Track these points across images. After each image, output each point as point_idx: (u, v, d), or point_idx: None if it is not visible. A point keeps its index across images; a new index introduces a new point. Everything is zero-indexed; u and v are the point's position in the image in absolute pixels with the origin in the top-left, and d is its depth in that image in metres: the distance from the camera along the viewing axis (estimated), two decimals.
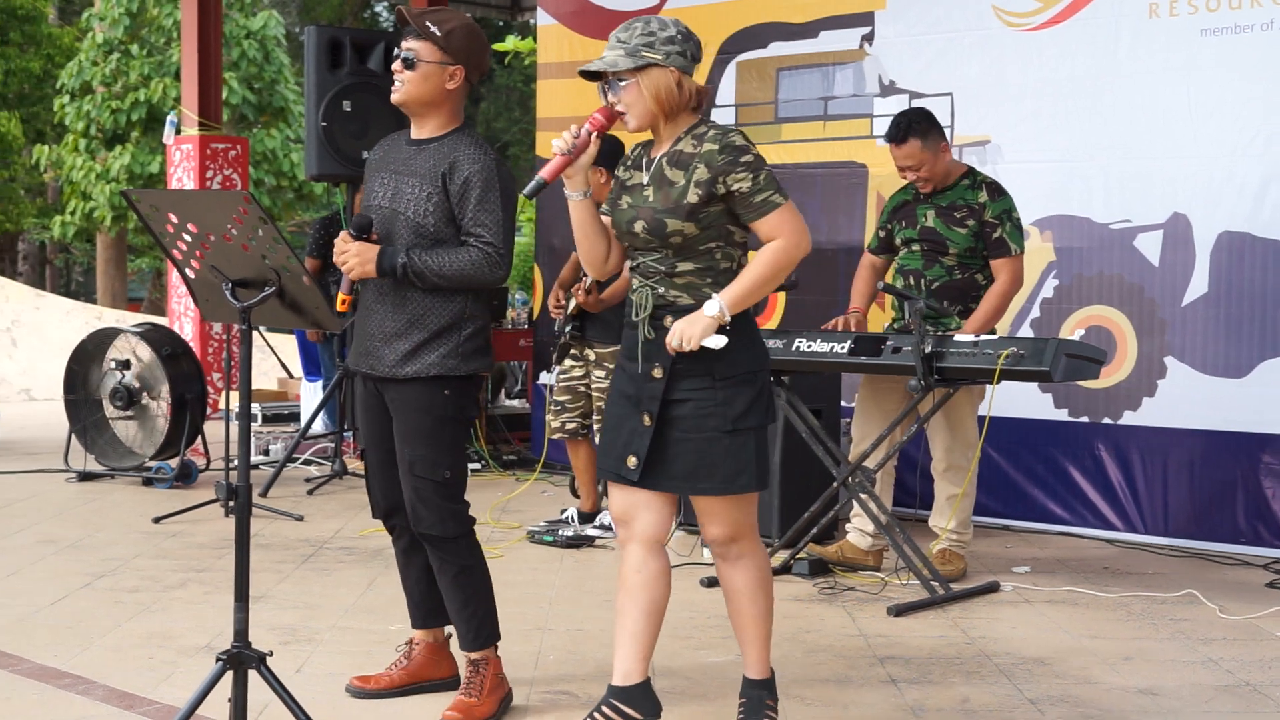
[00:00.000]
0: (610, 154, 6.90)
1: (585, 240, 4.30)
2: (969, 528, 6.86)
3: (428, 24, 4.53)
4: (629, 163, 4.35)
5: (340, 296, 4.56)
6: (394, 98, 4.61)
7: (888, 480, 6.90)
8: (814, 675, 5.14)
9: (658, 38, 4.13)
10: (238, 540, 4.05)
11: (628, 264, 4.37)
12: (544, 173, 4.16)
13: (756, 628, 4.34)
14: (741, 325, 4.17)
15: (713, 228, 4.13)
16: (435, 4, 11.91)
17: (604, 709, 4.29)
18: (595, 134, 4.15)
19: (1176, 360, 7.54)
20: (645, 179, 4.22)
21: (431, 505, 4.58)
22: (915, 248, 6.78)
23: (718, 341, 4.06)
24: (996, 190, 6.68)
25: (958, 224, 6.64)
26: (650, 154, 4.27)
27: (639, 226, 4.17)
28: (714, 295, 4.08)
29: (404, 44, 4.57)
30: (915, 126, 6.66)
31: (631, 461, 4.19)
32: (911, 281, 6.75)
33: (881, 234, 6.99)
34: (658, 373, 4.16)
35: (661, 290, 4.18)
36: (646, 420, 4.17)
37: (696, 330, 4.05)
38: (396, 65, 4.57)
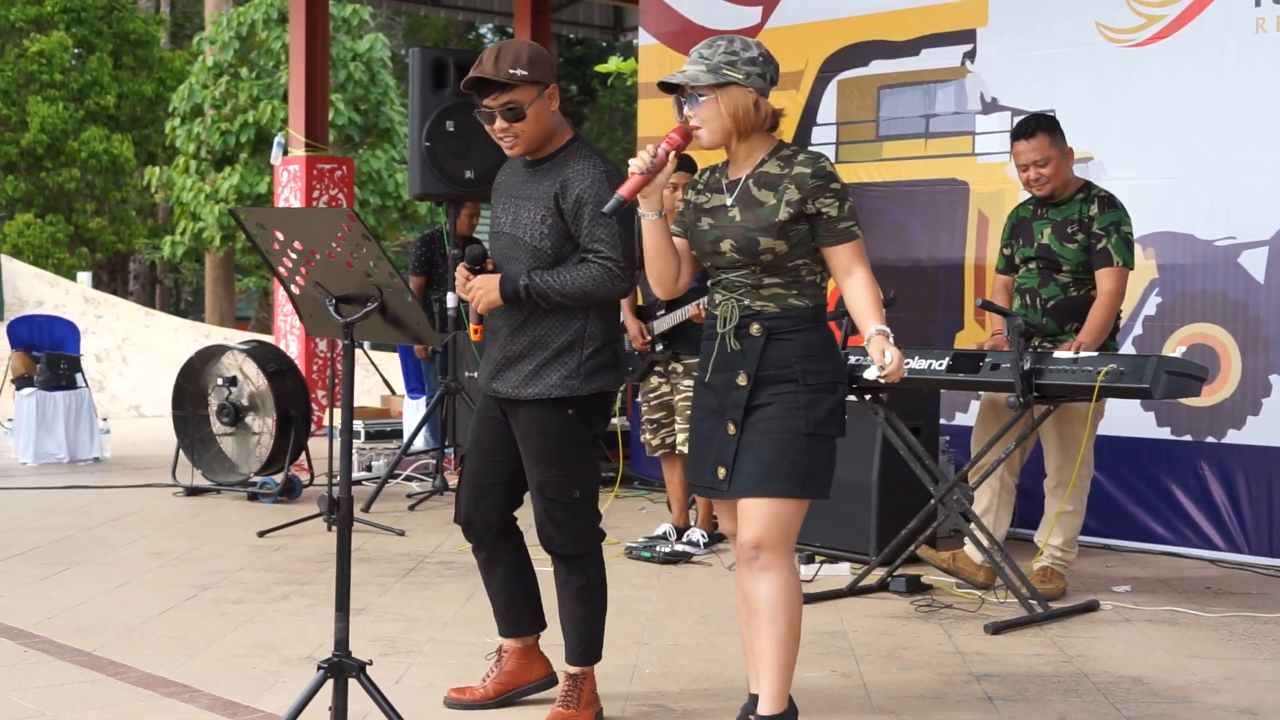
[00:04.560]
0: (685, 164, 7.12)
1: (659, 259, 4.33)
2: (1074, 548, 6.79)
3: (510, 71, 4.48)
4: (700, 185, 4.39)
5: (473, 327, 4.66)
6: (514, 152, 4.61)
7: (1006, 498, 6.84)
8: (909, 691, 5.13)
9: (740, 57, 4.18)
10: (339, 550, 4.12)
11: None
12: (622, 191, 4.20)
13: (773, 651, 4.21)
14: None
15: (800, 245, 4.21)
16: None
17: None
18: (673, 153, 4.20)
19: None
20: (729, 200, 4.26)
21: (562, 526, 4.64)
22: (1032, 266, 6.74)
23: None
24: (1108, 203, 6.64)
25: (1069, 239, 6.60)
26: (729, 176, 4.32)
27: (726, 245, 4.23)
28: (870, 326, 4.16)
29: (494, 101, 4.50)
30: (1043, 122, 6.66)
31: (721, 472, 4.24)
32: (1028, 300, 6.71)
33: (1006, 252, 6.93)
34: (742, 380, 4.22)
35: (747, 301, 4.23)
36: (731, 429, 4.22)
37: (898, 355, 4.11)
38: (500, 123, 4.53)
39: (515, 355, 4.62)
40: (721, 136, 4.22)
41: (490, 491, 4.77)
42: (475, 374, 9.87)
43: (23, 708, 4.80)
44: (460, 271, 4.62)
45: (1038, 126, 6.65)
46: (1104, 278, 6.55)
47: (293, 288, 4.42)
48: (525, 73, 4.49)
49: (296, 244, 4.27)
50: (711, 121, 4.19)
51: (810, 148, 4.45)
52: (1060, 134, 6.66)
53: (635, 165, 4.17)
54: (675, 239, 4.39)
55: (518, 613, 4.90)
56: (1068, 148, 6.68)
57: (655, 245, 4.31)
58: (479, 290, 4.56)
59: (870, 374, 4.20)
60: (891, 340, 4.15)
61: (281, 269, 4.38)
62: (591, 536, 4.71)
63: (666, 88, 4.26)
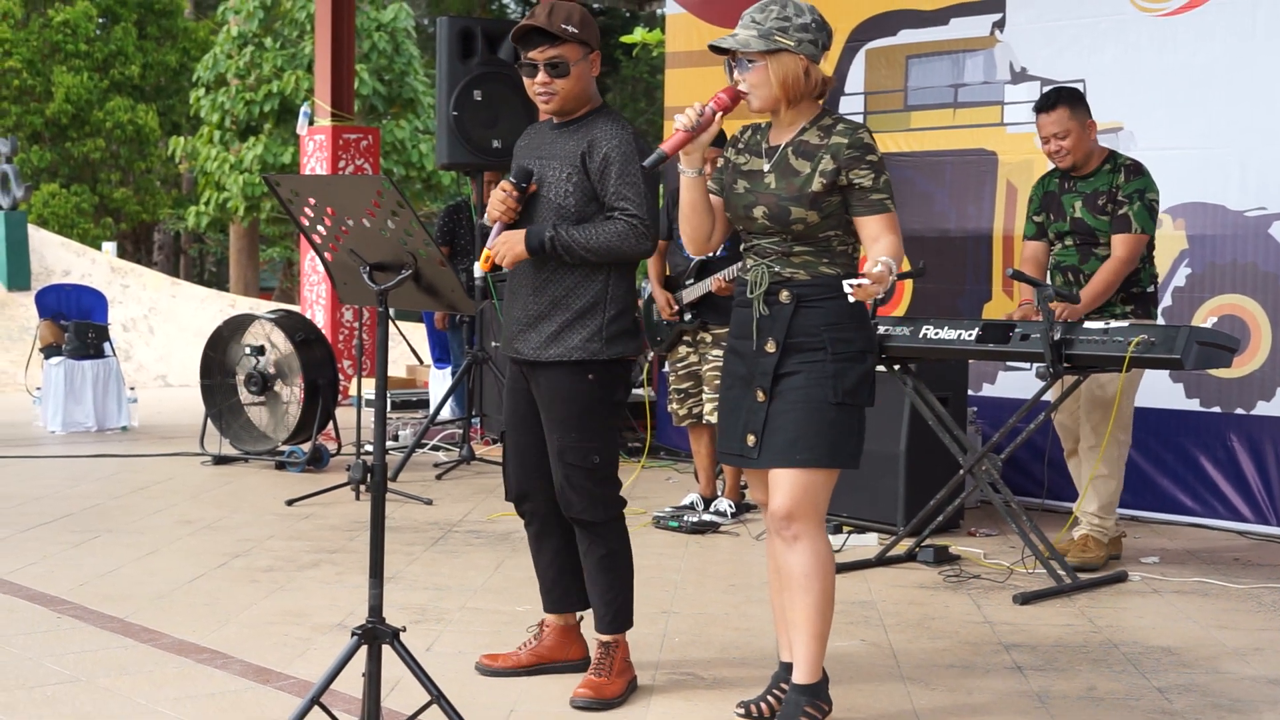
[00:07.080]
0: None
1: (694, 217, 4.35)
2: (1110, 514, 6.75)
3: (562, 25, 4.55)
4: (740, 145, 4.39)
5: (485, 253, 4.59)
6: (549, 108, 4.64)
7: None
8: (938, 661, 5.14)
9: (792, 24, 4.17)
10: (373, 516, 4.11)
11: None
12: (665, 146, 4.22)
13: (807, 621, 4.23)
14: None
15: (833, 216, 4.20)
16: None
17: (774, 691, 4.45)
18: (719, 113, 4.20)
19: None
20: (766, 166, 4.27)
21: (581, 491, 4.64)
22: (1069, 242, 6.71)
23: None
24: (1134, 170, 6.61)
25: (1100, 211, 6.57)
26: (769, 140, 4.32)
27: (759, 212, 4.24)
28: (880, 260, 3.98)
29: (540, 53, 4.56)
30: (1064, 94, 6.66)
31: (750, 440, 4.25)
32: (1070, 277, 6.67)
33: (1037, 219, 6.87)
34: (771, 347, 4.23)
35: (778, 268, 4.24)
36: (760, 396, 4.23)
37: (872, 282, 3.90)
38: (543, 77, 4.57)
39: (536, 315, 4.63)
40: (770, 103, 4.22)
41: (540, 463, 4.75)
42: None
43: (58, 673, 4.83)
44: (503, 185, 4.60)
45: (1058, 99, 6.64)
46: (1118, 244, 6.52)
47: (326, 255, 4.41)
48: (576, 30, 4.56)
49: (329, 210, 4.27)
50: (761, 88, 4.19)
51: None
52: (1082, 106, 6.64)
53: (681, 122, 4.18)
54: (711, 196, 4.39)
55: (565, 588, 4.90)
56: (1089, 120, 6.65)
57: (691, 202, 4.33)
58: (503, 245, 4.57)
59: (847, 286, 3.93)
60: (888, 269, 3.93)
61: (315, 236, 4.38)
62: (612, 503, 4.71)
63: (717, 50, 4.25)
